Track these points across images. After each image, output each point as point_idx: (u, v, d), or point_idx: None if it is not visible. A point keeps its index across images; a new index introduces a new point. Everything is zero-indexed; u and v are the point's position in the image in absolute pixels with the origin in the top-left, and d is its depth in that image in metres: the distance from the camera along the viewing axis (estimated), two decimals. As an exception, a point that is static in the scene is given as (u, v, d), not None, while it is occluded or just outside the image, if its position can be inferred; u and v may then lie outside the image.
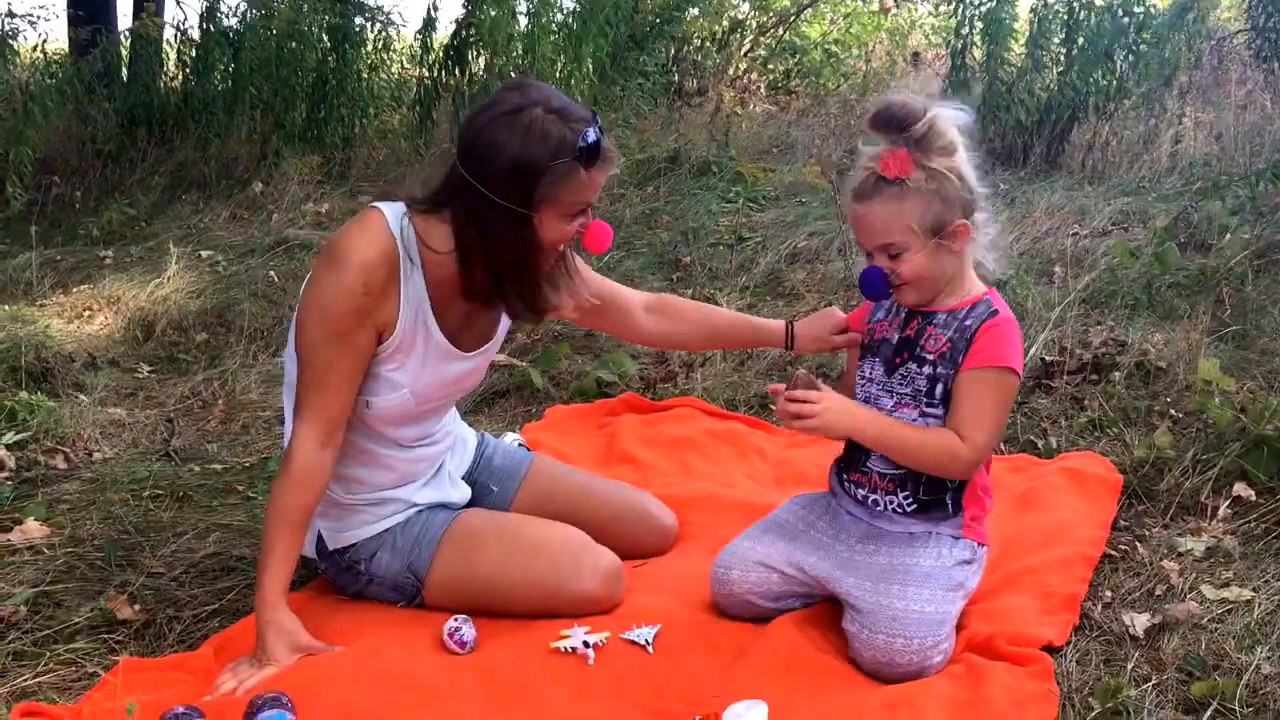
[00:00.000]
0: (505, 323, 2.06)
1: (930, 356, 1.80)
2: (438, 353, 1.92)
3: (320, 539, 2.00)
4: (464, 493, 2.12)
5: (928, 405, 1.80)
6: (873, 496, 1.87)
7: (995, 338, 1.77)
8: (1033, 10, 5.94)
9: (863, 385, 1.89)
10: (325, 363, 1.80)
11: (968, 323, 1.79)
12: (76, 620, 1.97)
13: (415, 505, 2.03)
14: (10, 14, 6.14)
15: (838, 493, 1.95)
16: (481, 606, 1.93)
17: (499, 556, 1.94)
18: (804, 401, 1.74)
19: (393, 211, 1.84)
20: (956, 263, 1.80)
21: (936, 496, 1.83)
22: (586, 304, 2.04)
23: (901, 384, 1.83)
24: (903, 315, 1.87)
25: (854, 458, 1.91)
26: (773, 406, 1.84)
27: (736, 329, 2.23)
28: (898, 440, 1.78)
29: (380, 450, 1.97)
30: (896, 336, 1.86)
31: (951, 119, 1.75)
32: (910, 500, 1.84)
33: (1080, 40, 5.73)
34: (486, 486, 2.18)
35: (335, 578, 2.04)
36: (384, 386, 1.89)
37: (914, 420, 1.81)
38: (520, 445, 2.55)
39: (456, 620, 1.85)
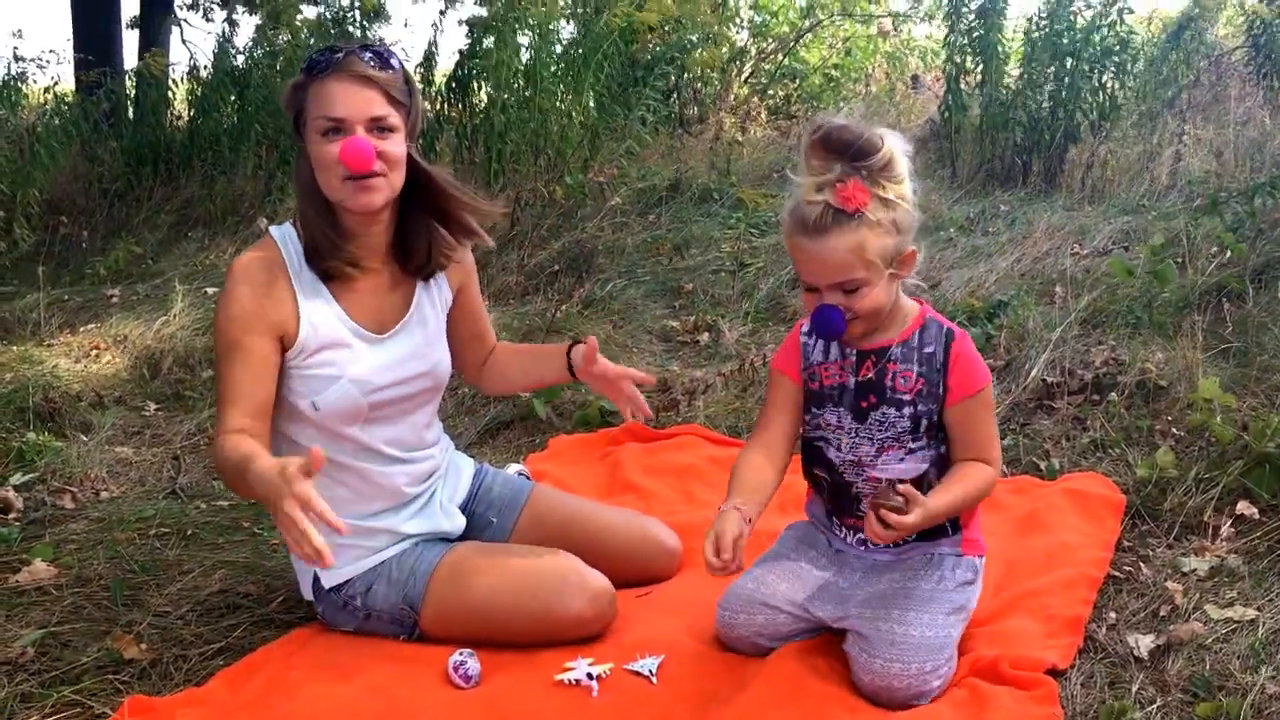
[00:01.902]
0: (427, 300, 2.05)
1: (906, 397, 1.78)
2: (357, 340, 1.94)
3: (316, 579, 2.00)
4: (458, 523, 2.12)
5: (912, 441, 1.79)
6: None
7: (966, 365, 1.78)
8: (1023, 31, 5.97)
9: (833, 433, 1.85)
10: (228, 377, 1.85)
11: (928, 350, 1.78)
12: (83, 661, 1.98)
13: (406, 536, 2.03)
14: (18, 58, 6.22)
15: (830, 534, 1.94)
16: (476, 635, 1.94)
17: (488, 585, 1.94)
18: (897, 526, 1.67)
19: (278, 227, 1.97)
20: (896, 289, 1.77)
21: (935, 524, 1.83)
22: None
23: (881, 429, 1.80)
24: (853, 358, 1.82)
25: (843, 505, 1.89)
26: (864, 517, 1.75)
27: (530, 357, 2.25)
28: (960, 502, 1.76)
29: (357, 464, 1.97)
30: (853, 381, 1.82)
31: (900, 145, 1.71)
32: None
33: (1069, 60, 5.75)
34: (485, 518, 2.19)
35: (333, 618, 2.04)
36: (321, 383, 1.91)
37: (900, 459, 1.79)
38: (524, 475, 2.55)
39: (461, 654, 1.86)
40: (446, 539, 2.09)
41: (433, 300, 2.08)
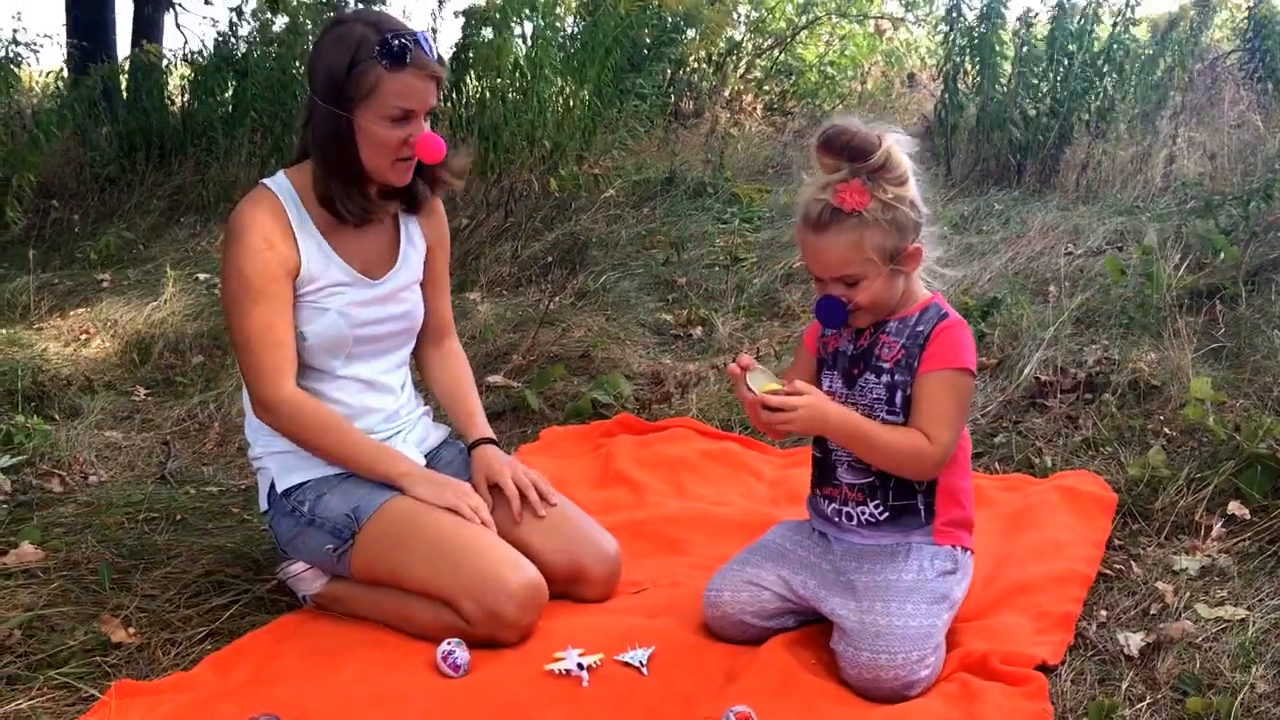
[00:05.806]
0: (411, 249, 2.18)
1: (887, 365, 1.83)
2: (348, 281, 2.07)
3: (272, 485, 2.06)
4: (418, 460, 2.16)
5: (888, 413, 1.83)
6: (845, 509, 1.89)
7: (948, 340, 1.80)
8: (1015, 34, 5.98)
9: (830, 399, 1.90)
10: (261, 325, 1.97)
11: (919, 328, 1.82)
12: (71, 644, 1.96)
13: None
14: (14, 41, 6.17)
15: (814, 515, 1.97)
16: (396, 580, 1.97)
17: (427, 545, 1.94)
18: (781, 407, 1.74)
19: (271, 179, 2.08)
20: (907, 281, 1.84)
21: (907, 502, 1.85)
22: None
23: (863, 395, 1.85)
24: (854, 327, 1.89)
25: (826, 473, 1.93)
26: (733, 391, 1.88)
27: (455, 411, 2.28)
28: (867, 436, 1.79)
29: (332, 392, 2.08)
30: (851, 349, 1.88)
31: (903, 147, 1.76)
32: (881, 508, 1.86)
33: (1065, 61, 5.77)
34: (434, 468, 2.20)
35: (276, 525, 2.08)
36: (312, 314, 2.04)
37: None
38: None
39: (450, 644, 1.85)
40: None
41: (415, 249, 2.21)
